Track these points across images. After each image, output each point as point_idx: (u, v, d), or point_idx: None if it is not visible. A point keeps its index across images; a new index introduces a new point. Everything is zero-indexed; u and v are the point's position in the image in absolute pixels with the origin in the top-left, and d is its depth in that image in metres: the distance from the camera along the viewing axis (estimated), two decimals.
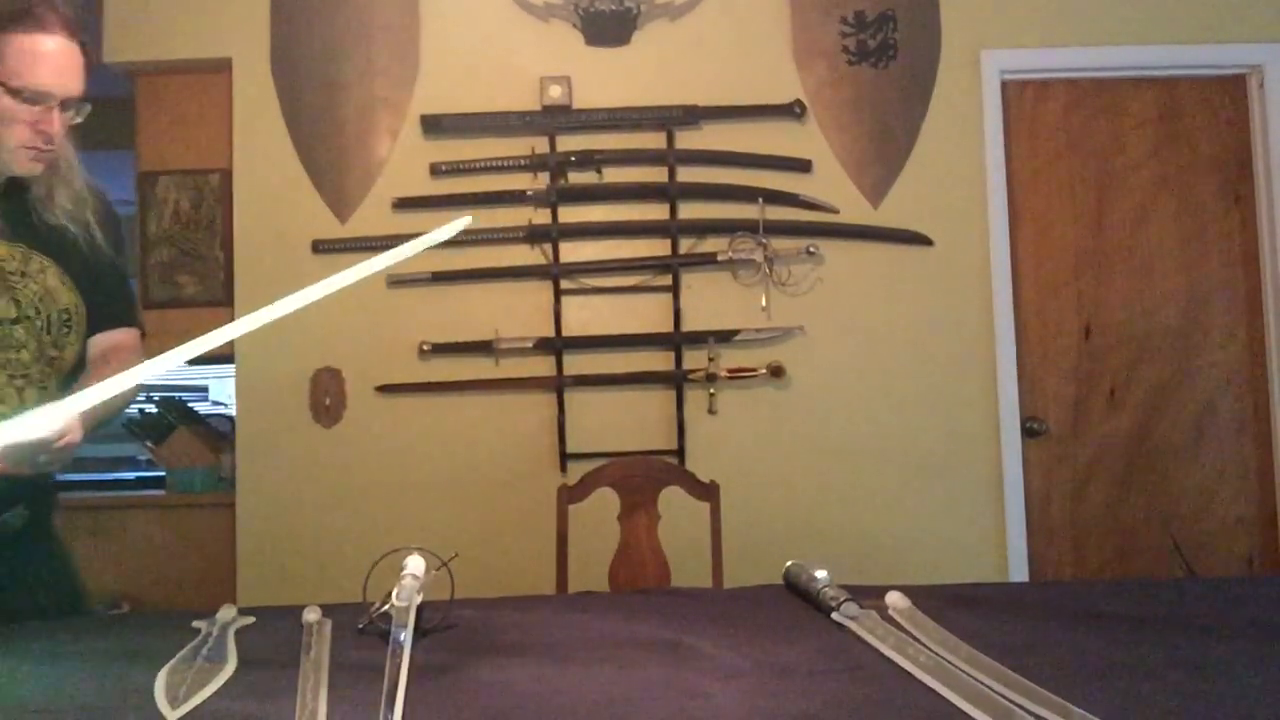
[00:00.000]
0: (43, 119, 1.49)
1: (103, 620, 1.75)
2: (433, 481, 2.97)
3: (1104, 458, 3.10)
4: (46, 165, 1.54)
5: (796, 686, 1.00)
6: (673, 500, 2.40)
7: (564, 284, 3.03)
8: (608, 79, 3.09)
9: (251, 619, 1.38)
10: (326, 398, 3.03)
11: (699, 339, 3.01)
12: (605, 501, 2.37)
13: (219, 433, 3.40)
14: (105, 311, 1.63)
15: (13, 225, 1.53)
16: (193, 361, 4.21)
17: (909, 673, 1.01)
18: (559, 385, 3.00)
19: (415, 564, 1.35)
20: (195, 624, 1.34)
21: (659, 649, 1.16)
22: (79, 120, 1.57)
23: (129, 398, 1.62)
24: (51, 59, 1.49)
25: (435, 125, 3.06)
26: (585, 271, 3.04)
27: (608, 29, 3.11)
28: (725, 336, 3.01)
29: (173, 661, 1.13)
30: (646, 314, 3.03)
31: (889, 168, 3.09)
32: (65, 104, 1.52)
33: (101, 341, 1.62)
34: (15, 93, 1.46)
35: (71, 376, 1.58)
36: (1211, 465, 3.11)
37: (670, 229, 3.05)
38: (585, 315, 3.04)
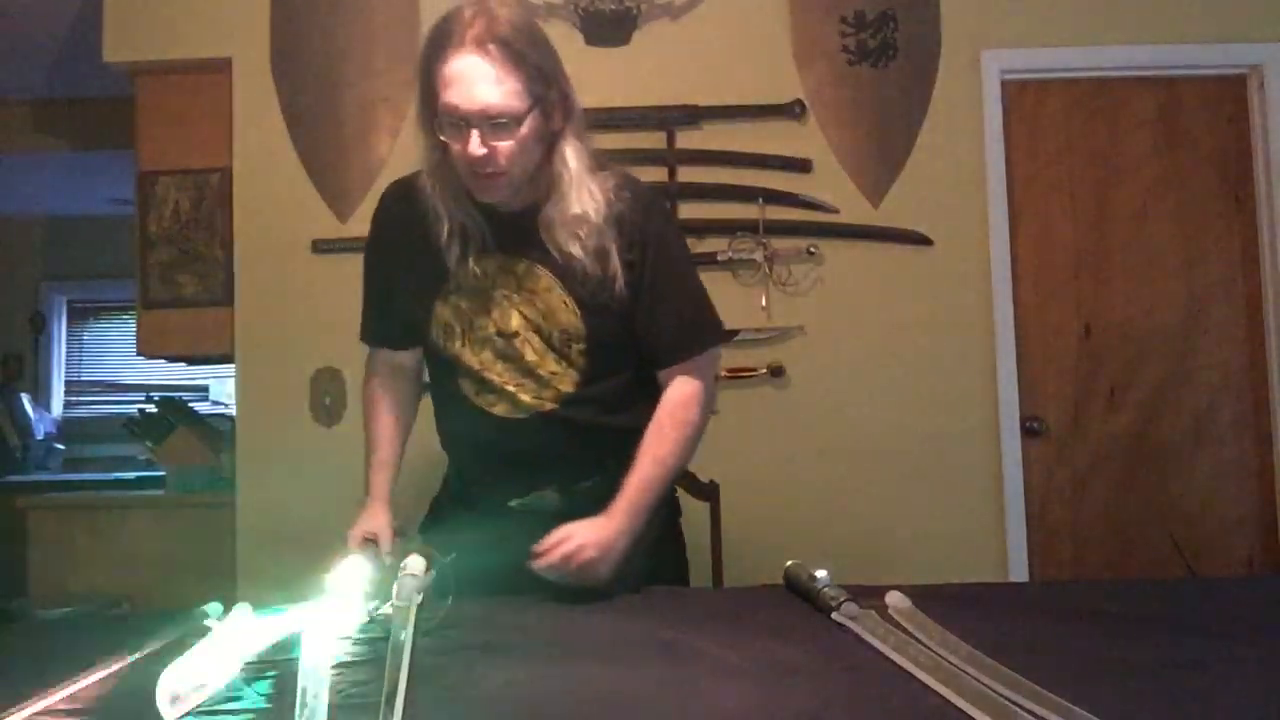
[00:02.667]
0: (465, 139, 1.45)
1: (103, 620, 1.75)
2: (433, 482, 2.97)
3: (1104, 458, 3.10)
4: (496, 189, 1.50)
5: (796, 686, 1.00)
6: None
7: None
8: (608, 79, 3.09)
9: (261, 618, 1.38)
10: (327, 398, 3.02)
11: None
12: None
13: (219, 432, 3.40)
14: (664, 336, 1.58)
15: (529, 244, 1.53)
16: (193, 361, 4.18)
17: (909, 673, 1.01)
18: None
19: (415, 564, 1.35)
20: (207, 622, 1.34)
21: (660, 649, 1.16)
22: (516, 136, 1.46)
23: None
24: (457, 79, 1.44)
25: None
26: None
27: (608, 29, 3.10)
28: (725, 336, 3.00)
29: (178, 660, 1.13)
30: None
31: (889, 168, 3.09)
32: (487, 123, 1.44)
33: (669, 387, 1.59)
34: (442, 120, 1.46)
35: (576, 396, 1.58)
36: (1211, 465, 3.11)
37: None
38: None
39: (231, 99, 3.11)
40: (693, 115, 3.07)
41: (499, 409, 1.60)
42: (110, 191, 4.99)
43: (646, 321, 1.57)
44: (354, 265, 3.04)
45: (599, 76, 3.09)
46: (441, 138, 1.49)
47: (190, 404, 3.73)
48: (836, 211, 3.07)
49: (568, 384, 1.58)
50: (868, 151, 3.10)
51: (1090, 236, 3.15)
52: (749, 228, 3.03)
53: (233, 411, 3.38)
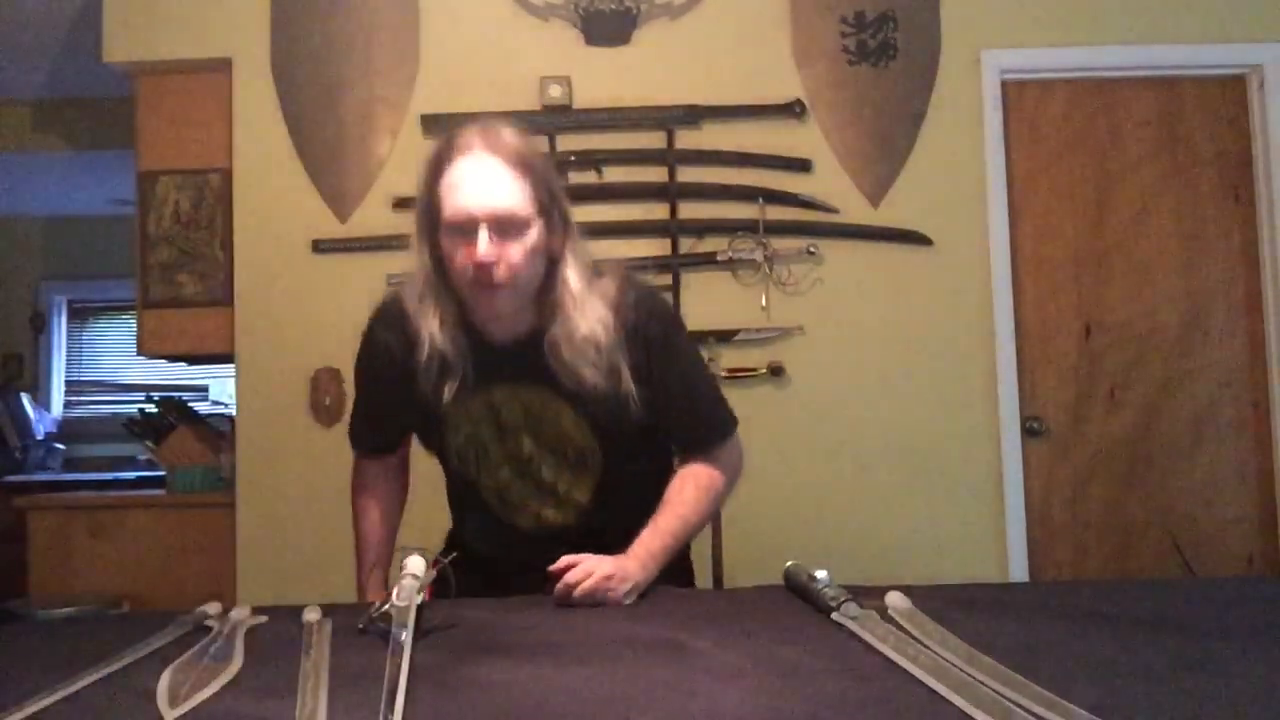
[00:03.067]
0: (471, 245, 1.42)
1: (103, 620, 1.75)
2: (433, 482, 2.97)
3: (1104, 457, 3.10)
4: (500, 297, 1.46)
5: (796, 686, 1.00)
6: None
7: None
8: (608, 79, 3.09)
9: (264, 618, 1.38)
10: (326, 398, 3.03)
11: (699, 339, 3.00)
12: None
13: (219, 432, 3.40)
14: (679, 438, 1.62)
15: (535, 370, 1.51)
16: (193, 361, 4.19)
17: (909, 673, 1.01)
18: None
19: (415, 564, 1.34)
20: (208, 622, 1.34)
21: (659, 649, 1.16)
22: (524, 243, 1.44)
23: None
24: (465, 182, 1.43)
25: (435, 125, 3.06)
26: None
27: (608, 28, 3.11)
28: (725, 336, 3.01)
29: (179, 660, 1.13)
30: None
31: (889, 168, 3.09)
32: (496, 225, 1.42)
33: (681, 479, 1.60)
34: (446, 228, 1.44)
35: (591, 509, 1.61)
36: (1211, 465, 3.11)
37: (670, 229, 3.05)
38: None
39: (231, 99, 3.12)
40: (693, 115, 3.08)
41: (522, 523, 1.63)
42: (110, 191, 4.99)
43: (666, 423, 1.60)
44: (354, 265, 3.07)
45: (599, 76, 3.09)
46: (445, 249, 1.46)
47: (190, 404, 3.72)
48: (836, 211, 3.07)
49: (585, 494, 1.61)
50: (868, 151, 3.10)
51: (1090, 236, 3.15)
52: (749, 227, 3.03)
53: (233, 411, 3.38)
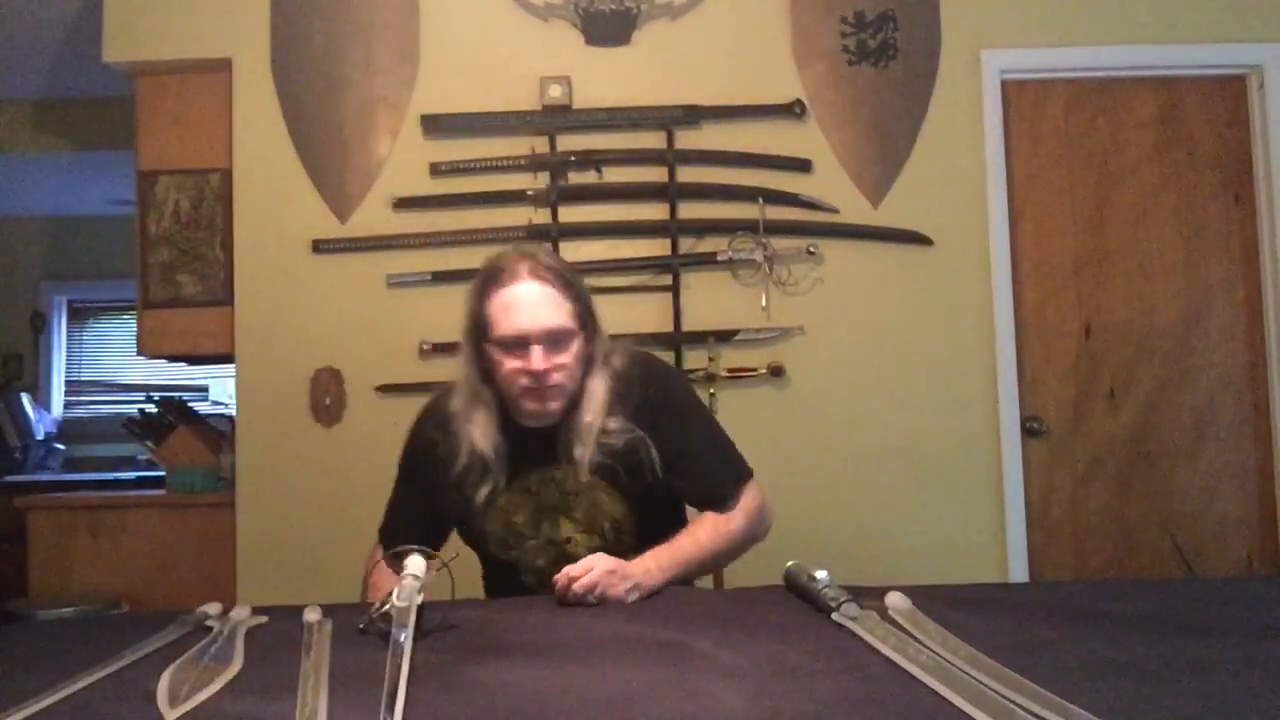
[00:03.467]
0: (528, 362, 1.62)
1: (103, 620, 1.75)
2: None
3: (1104, 457, 3.10)
4: (550, 402, 1.65)
5: (797, 686, 1.00)
6: None
7: None
8: (608, 79, 3.09)
9: (264, 618, 1.38)
10: (326, 398, 3.03)
11: (699, 339, 3.01)
12: None
13: (219, 432, 3.40)
14: (701, 489, 1.75)
15: (565, 450, 1.68)
16: (193, 361, 4.18)
17: (909, 673, 1.01)
18: None
19: (415, 564, 1.35)
20: (208, 622, 1.34)
21: (659, 649, 1.16)
22: (570, 352, 1.66)
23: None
24: (518, 304, 1.63)
25: (435, 125, 3.07)
26: (585, 271, 3.02)
27: (608, 29, 3.11)
28: (725, 336, 3.01)
29: (179, 660, 1.13)
30: (646, 314, 3.02)
31: (889, 168, 3.09)
32: (548, 340, 1.62)
33: (700, 517, 1.73)
34: (499, 343, 1.64)
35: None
36: (1211, 465, 3.11)
37: (670, 229, 3.05)
38: None
39: (231, 99, 3.11)
40: (693, 115, 3.08)
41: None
42: (110, 191, 4.99)
43: (680, 485, 1.74)
44: (354, 265, 3.07)
45: (599, 76, 3.09)
46: (494, 359, 1.65)
47: (190, 404, 3.72)
48: (836, 211, 3.07)
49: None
50: (868, 151, 3.10)
51: (1090, 236, 3.15)
52: (749, 227, 3.03)
53: (233, 411, 3.38)
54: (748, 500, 1.74)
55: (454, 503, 1.73)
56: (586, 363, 1.69)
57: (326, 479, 3.01)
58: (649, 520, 1.72)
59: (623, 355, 1.73)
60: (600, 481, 1.68)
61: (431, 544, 1.77)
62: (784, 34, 3.11)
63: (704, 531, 1.68)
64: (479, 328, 1.67)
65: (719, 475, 1.75)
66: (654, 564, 1.58)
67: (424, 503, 1.79)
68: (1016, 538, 3.03)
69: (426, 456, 1.76)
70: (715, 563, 1.73)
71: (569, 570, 1.48)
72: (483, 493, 1.69)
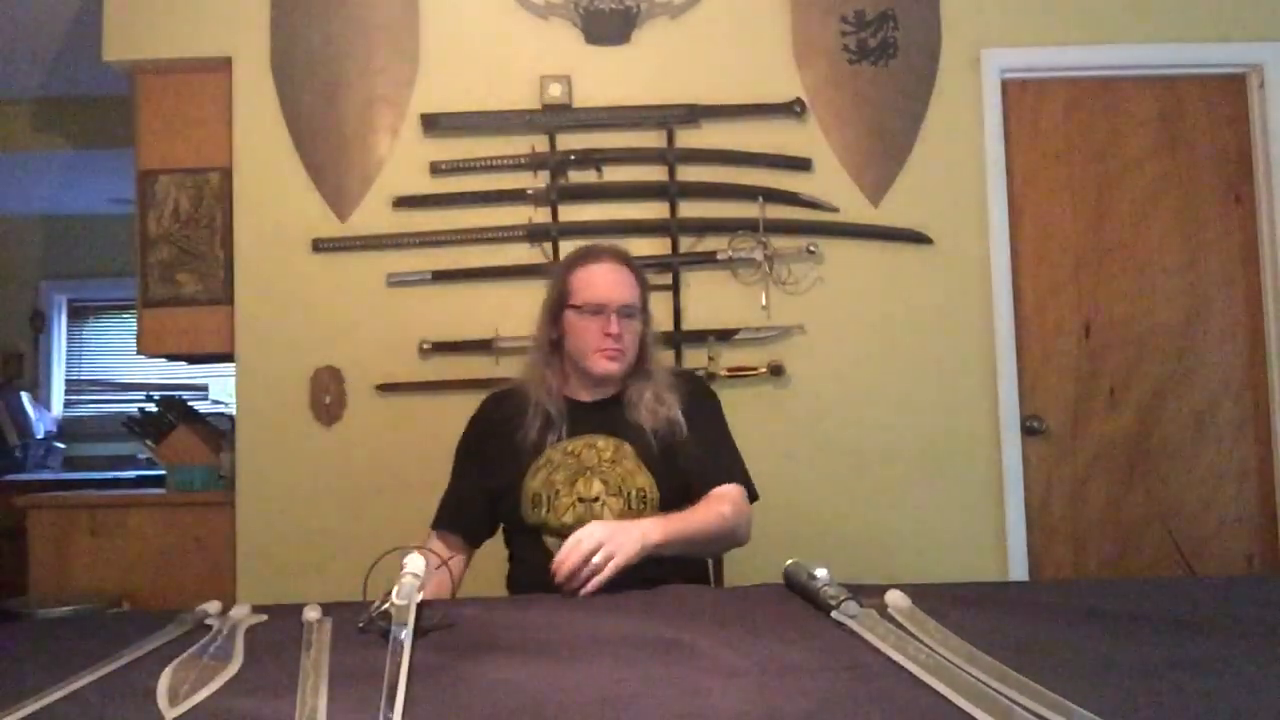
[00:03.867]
0: (605, 325, 1.92)
1: (103, 620, 1.75)
2: (433, 481, 2.97)
3: (1104, 457, 3.10)
4: (616, 362, 1.93)
5: (796, 685, 1.00)
6: None
7: None
8: (608, 78, 3.09)
9: (264, 617, 1.38)
10: (326, 397, 3.03)
11: (699, 338, 3.01)
12: None
13: (219, 431, 3.40)
14: (713, 471, 1.93)
15: (611, 423, 1.94)
16: (193, 360, 4.17)
17: (909, 672, 1.01)
18: None
19: (415, 563, 1.35)
20: (208, 621, 1.34)
21: (659, 648, 1.16)
22: (635, 328, 1.97)
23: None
24: (602, 278, 1.95)
25: (435, 124, 3.07)
26: None
27: (608, 27, 3.11)
28: (725, 335, 3.01)
29: (179, 659, 1.13)
30: None
31: (889, 167, 3.09)
32: (622, 311, 1.93)
33: (716, 490, 1.91)
34: (579, 308, 1.94)
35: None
36: (1211, 465, 3.11)
37: (670, 228, 3.05)
38: None
39: (231, 98, 3.11)
40: (693, 114, 3.08)
41: None
42: (110, 191, 4.98)
43: (695, 465, 1.93)
44: (354, 265, 3.07)
45: (599, 75, 3.09)
46: (573, 324, 1.94)
47: (190, 403, 3.72)
48: (836, 210, 3.07)
49: None
50: (868, 150, 3.10)
51: (1090, 236, 3.15)
52: (749, 226, 3.03)
53: (233, 411, 3.38)
54: (740, 503, 1.90)
55: (507, 468, 1.92)
56: (642, 348, 1.98)
57: (326, 478, 3.01)
58: (669, 496, 1.88)
59: (670, 368, 2.06)
60: (635, 454, 1.90)
61: (482, 525, 1.99)
62: (784, 33, 3.11)
63: (699, 508, 1.84)
64: (562, 296, 1.96)
65: (725, 464, 1.95)
66: (660, 518, 1.75)
67: (481, 475, 1.98)
68: (1016, 537, 3.03)
69: (487, 425, 2.02)
70: (704, 537, 1.83)
71: (557, 557, 1.60)
72: (538, 447, 1.91)
